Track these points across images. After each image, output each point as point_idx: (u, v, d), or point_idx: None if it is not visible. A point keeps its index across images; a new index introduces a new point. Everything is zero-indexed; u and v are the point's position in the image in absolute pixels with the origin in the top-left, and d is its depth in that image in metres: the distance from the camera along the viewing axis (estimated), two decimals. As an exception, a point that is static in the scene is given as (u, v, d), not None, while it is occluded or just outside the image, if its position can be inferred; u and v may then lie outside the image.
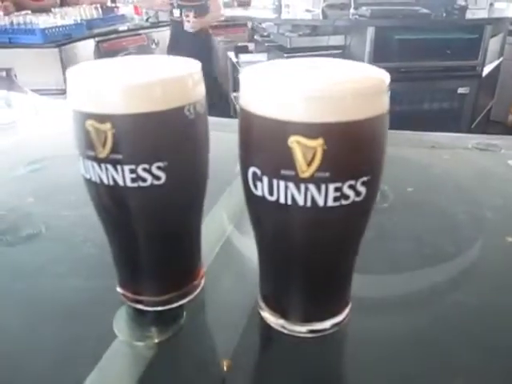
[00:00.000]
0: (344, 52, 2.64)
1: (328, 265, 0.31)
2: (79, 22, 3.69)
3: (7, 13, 3.83)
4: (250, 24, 3.81)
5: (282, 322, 0.34)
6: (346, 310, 0.35)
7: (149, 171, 0.29)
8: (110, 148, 0.28)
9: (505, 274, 0.45)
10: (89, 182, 0.31)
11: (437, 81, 2.52)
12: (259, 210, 0.29)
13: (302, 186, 0.26)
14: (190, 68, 0.30)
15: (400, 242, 0.50)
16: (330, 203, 0.26)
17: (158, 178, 0.29)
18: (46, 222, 0.53)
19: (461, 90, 2.55)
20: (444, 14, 2.55)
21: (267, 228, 0.30)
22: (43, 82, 3.17)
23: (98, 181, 0.30)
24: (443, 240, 0.50)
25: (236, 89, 3.37)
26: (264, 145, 0.26)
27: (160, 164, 0.29)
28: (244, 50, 3.07)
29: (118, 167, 0.28)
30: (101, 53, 3.79)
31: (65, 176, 0.61)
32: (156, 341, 0.35)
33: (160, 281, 0.36)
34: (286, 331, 0.34)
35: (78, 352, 0.35)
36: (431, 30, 2.47)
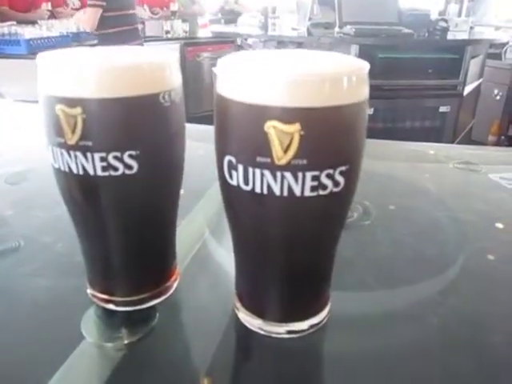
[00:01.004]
0: (328, 69, 2.67)
1: (306, 260, 0.30)
2: (65, 34, 3.68)
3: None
4: (238, 40, 3.85)
5: (259, 322, 0.33)
6: (325, 311, 0.33)
7: (120, 160, 0.27)
8: (80, 134, 0.27)
9: (485, 292, 0.44)
10: (58, 171, 0.29)
11: (419, 99, 2.55)
12: (234, 201, 0.28)
13: (279, 174, 0.25)
14: (167, 55, 0.29)
15: (381, 258, 0.49)
16: (308, 193, 0.25)
17: (129, 167, 0.28)
18: (23, 236, 0.51)
19: (442, 109, 2.59)
20: (426, 35, 2.60)
21: (243, 220, 0.29)
22: (27, 92, 3.14)
23: (67, 170, 0.28)
24: (424, 258, 0.50)
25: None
26: (239, 131, 0.25)
27: (132, 152, 0.28)
28: (230, 65, 3.08)
29: (88, 155, 0.27)
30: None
31: (46, 188, 0.60)
32: (125, 342, 0.33)
33: (132, 279, 0.34)
34: (263, 332, 0.33)
35: (44, 353, 0.33)
36: (414, 50, 2.52)
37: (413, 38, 2.48)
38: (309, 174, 0.25)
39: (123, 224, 0.31)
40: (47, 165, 0.31)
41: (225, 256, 0.45)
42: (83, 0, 4.62)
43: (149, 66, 0.27)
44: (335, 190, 0.26)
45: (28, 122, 1.33)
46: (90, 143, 0.27)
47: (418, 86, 2.54)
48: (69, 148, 0.27)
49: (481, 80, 3.22)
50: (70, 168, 0.28)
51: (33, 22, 3.75)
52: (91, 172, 0.28)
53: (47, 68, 0.27)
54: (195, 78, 4.86)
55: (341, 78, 0.24)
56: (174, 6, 5.09)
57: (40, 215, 0.55)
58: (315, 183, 0.25)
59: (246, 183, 0.26)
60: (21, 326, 0.36)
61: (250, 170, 0.25)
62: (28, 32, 3.34)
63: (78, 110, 0.26)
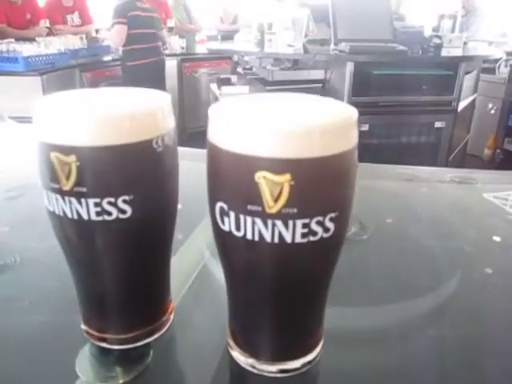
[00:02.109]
0: (324, 86, 2.70)
1: (298, 302, 0.30)
2: (63, 51, 3.71)
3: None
4: (235, 57, 3.89)
5: (251, 361, 0.33)
6: (318, 348, 0.34)
7: (114, 205, 0.28)
8: (74, 181, 0.27)
9: (482, 307, 0.44)
10: (52, 214, 0.30)
11: (414, 115, 2.58)
12: (227, 246, 0.28)
13: (270, 222, 0.25)
14: (160, 100, 0.30)
15: (377, 274, 0.49)
16: (298, 240, 0.26)
17: (123, 211, 0.28)
18: (19, 253, 0.51)
19: (437, 124, 2.61)
20: (420, 52, 2.63)
21: (235, 264, 0.29)
22: (24, 109, 3.15)
23: (61, 214, 0.29)
24: (421, 272, 0.50)
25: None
26: (231, 180, 0.26)
27: (126, 197, 0.28)
28: (227, 82, 3.11)
29: (83, 200, 0.28)
30: (83, 82, 3.81)
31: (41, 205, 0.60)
32: (120, 381, 0.33)
33: (125, 317, 0.35)
34: (255, 371, 0.33)
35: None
36: (408, 67, 2.55)
37: (407, 55, 2.51)
38: (299, 222, 0.25)
39: (117, 266, 0.31)
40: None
41: (220, 288, 0.45)
42: (84, 17, 4.68)
43: (142, 115, 0.28)
44: (325, 235, 0.26)
45: (26, 139, 1.33)
46: (84, 189, 0.27)
47: (413, 102, 2.56)
48: (63, 194, 0.28)
49: (475, 95, 3.25)
50: (64, 212, 0.29)
51: (31, 39, 3.77)
52: (85, 217, 0.28)
53: (42, 115, 0.28)
54: (192, 94, 4.89)
55: (330, 129, 0.25)
56: (171, 23, 5.14)
57: (38, 231, 0.56)
58: (305, 230, 0.25)
59: (238, 229, 0.26)
60: (13, 362, 0.36)
61: (242, 217, 0.26)
62: (26, 49, 3.37)
63: (72, 158, 0.27)
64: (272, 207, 0.25)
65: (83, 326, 0.36)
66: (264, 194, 0.25)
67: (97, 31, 4.83)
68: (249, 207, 0.25)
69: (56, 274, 0.46)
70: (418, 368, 0.36)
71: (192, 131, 4.85)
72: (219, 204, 0.27)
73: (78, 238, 0.30)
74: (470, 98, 3.08)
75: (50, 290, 0.45)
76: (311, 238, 0.26)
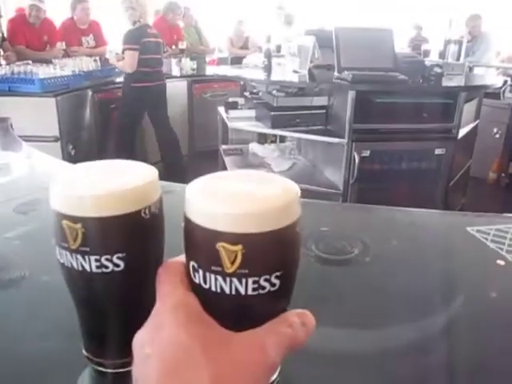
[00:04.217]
0: (327, 112, 2.79)
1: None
2: (77, 72, 3.84)
3: (9, 62, 4.00)
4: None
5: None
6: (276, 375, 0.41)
7: (110, 260, 0.36)
8: (80, 242, 0.35)
9: (484, 330, 0.48)
10: (62, 265, 0.38)
11: (414, 142, 2.65)
12: (197, 295, 0.36)
13: (228, 279, 0.33)
14: (149, 175, 0.38)
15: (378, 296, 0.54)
16: (250, 292, 0.33)
17: (117, 265, 0.36)
18: (28, 267, 0.56)
19: (438, 151, 2.68)
20: (421, 81, 2.72)
21: (205, 309, 0.36)
22: (40, 129, 3.29)
23: (69, 265, 0.37)
24: (422, 295, 0.54)
25: (224, 142, 3.50)
26: (199, 246, 0.34)
27: (120, 255, 0.36)
28: (234, 106, 3.22)
29: (86, 257, 0.36)
30: (95, 102, 3.94)
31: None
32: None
33: (120, 347, 0.42)
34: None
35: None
36: (409, 95, 2.63)
37: (408, 84, 2.60)
38: (250, 279, 0.33)
39: (113, 307, 0.39)
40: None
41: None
42: (98, 39, 4.85)
43: (134, 191, 0.36)
44: (272, 289, 0.34)
45: (39, 157, 1.41)
46: (87, 249, 0.35)
47: (414, 130, 2.64)
48: (71, 251, 0.36)
49: (477, 122, 3.32)
50: (71, 264, 0.37)
51: (48, 61, 3.92)
52: (88, 269, 0.36)
53: (55, 192, 0.36)
54: (202, 114, 5.01)
55: (275, 210, 0.32)
56: (182, 45, 5.29)
57: (47, 245, 0.62)
58: (256, 285, 0.33)
59: (205, 283, 0.34)
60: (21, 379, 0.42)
61: (208, 274, 0.33)
62: (42, 71, 3.50)
63: (78, 225, 0.35)
64: (229, 268, 0.32)
65: (84, 352, 0.44)
66: (223, 258, 0.32)
67: (110, 52, 4.98)
68: (212, 267, 0.33)
69: (63, 293, 0.53)
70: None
71: (201, 150, 4.97)
72: (192, 263, 0.34)
73: (82, 284, 0.38)
74: (471, 125, 3.15)
75: (58, 315, 0.52)
76: (260, 291, 0.33)
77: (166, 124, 4.22)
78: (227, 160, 3.21)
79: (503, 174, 4.54)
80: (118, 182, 0.36)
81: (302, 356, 0.39)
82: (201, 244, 0.34)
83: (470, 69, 4.75)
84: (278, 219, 0.33)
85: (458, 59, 4.32)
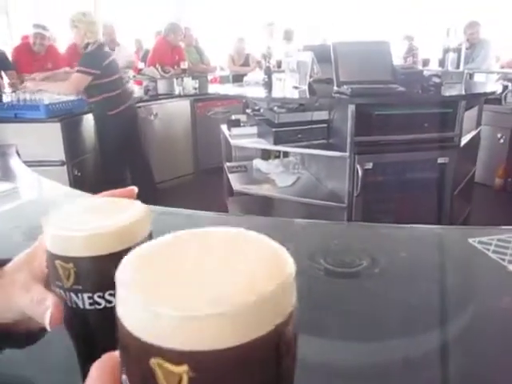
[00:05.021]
0: (328, 126, 2.81)
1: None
2: (80, 97, 3.90)
3: (14, 89, 4.08)
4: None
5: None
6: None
7: (102, 297, 0.37)
8: (73, 281, 0.37)
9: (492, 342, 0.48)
10: (58, 302, 0.39)
11: (416, 152, 2.66)
12: None
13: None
14: (136, 214, 0.39)
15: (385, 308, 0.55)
16: None
17: (109, 302, 0.37)
18: None
19: (440, 160, 2.68)
20: (420, 91, 2.74)
21: None
22: (45, 153, 3.35)
23: (64, 303, 0.38)
24: (429, 307, 0.55)
25: (228, 159, 3.53)
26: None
27: (111, 292, 0.37)
28: (236, 123, 3.25)
29: (79, 294, 0.37)
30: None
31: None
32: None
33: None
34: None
35: None
36: (408, 106, 2.65)
37: (407, 96, 2.61)
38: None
39: (105, 341, 0.40)
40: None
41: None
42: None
43: (123, 231, 0.37)
44: None
45: (44, 183, 1.44)
46: (80, 287, 0.37)
47: (415, 140, 2.65)
48: (65, 289, 0.37)
49: (479, 129, 3.32)
50: (65, 302, 0.38)
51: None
52: (81, 306, 0.37)
53: (48, 235, 0.37)
54: (205, 132, 5.06)
55: (240, 319, 0.19)
56: (184, 65, 5.36)
57: None
58: None
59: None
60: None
61: None
62: (47, 97, 3.56)
63: (70, 265, 0.36)
64: None
65: (83, 385, 0.45)
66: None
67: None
68: None
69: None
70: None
71: (206, 167, 5.00)
72: (124, 376, 0.24)
73: (76, 320, 0.39)
74: (473, 132, 3.15)
75: (58, 352, 0.54)
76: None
77: (140, 146, 4.00)
78: (232, 177, 3.23)
79: (509, 179, 4.52)
80: (108, 221, 0.38)
81: (313, 368, 0.39)
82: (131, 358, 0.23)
83: (470, 76, 4.77)
84: (253, 327, 0.20)
85: (457, 67, 4.34)
